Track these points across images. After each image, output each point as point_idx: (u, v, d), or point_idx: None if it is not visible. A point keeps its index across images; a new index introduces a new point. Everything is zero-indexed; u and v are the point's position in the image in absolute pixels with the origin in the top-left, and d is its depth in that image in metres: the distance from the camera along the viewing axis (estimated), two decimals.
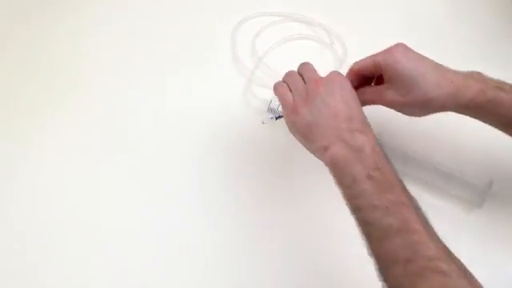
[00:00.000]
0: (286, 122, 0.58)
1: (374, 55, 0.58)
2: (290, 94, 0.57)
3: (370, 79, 0.61)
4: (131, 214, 0.66)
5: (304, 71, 0.59)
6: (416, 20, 0.80)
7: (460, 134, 0.69)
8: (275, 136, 0.70)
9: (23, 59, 0.76)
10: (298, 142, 0.58)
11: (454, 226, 0.63)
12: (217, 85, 0.75)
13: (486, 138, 0.65)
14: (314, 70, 0.59)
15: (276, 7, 0.79)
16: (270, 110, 0.70)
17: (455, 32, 0.78)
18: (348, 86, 0.56)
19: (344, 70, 0.72)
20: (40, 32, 0.78)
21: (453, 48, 0.77)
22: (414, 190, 0.63)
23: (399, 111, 0.59)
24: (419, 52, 0.68)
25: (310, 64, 0.60)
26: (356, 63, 0.60)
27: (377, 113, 0.69)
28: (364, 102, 0.59)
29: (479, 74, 0.56)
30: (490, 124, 0.57)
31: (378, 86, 0.59)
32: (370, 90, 0.60)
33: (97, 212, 0.66)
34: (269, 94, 0.70)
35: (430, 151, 0.67)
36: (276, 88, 0.60)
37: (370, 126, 0.54)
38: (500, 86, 0.55)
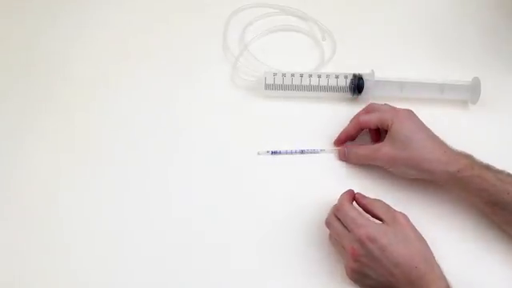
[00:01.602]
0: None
1: (382, 112, 0.65)
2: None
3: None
4: (127, 212, 0.65)
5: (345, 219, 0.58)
6: (414, 24, 0.81)
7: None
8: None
9: (20, 58, 0.77)
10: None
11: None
12: (204, 70, 0.76)
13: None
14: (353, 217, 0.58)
15: None
16: (267, 86, 0.72)
17: (457, 31, 0.80)
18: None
19: (330, 67, 0.76)
20: (37, 32, 0.80)
21: (454, 48, 0.79)
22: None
23: (390, 168, 0.64)
24: (418, 53, 0.77)
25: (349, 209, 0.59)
26: (363, 116, 0.66)
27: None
28: (360, 158, 0.66)
29: (470, 155, 0.62)
30: (473, 201, 0.62)
31: (375, 145, 0.65)
32: (367, 147, 0.66)
33: (93, 211, 0.65)
34: (259, 73, 0.73)
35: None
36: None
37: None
38: (487, 166, 0.60)
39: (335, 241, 0.60)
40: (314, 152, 0.69)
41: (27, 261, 0.62)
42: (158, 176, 0.68)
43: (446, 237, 0.63)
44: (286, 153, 0.69)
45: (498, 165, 0.60)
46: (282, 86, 0.72)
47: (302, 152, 0.69)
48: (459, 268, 0.57)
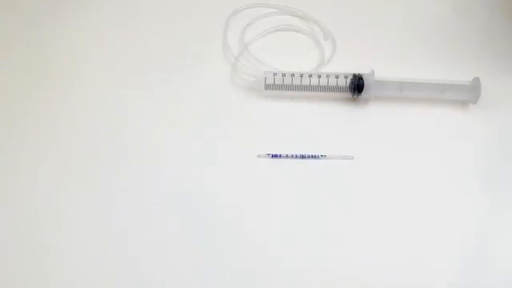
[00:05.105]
0: None
1: None
2: None
3: None
4: (127, 213, 0.65)
5: None
6: (414, 24, 0.81)
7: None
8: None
9: (23, 59, 0.77)
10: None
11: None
12: (204, 70, 0.76)
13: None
14: None
15: None
16: (267, 86, 0.72)
17: (457, 31, 0.80)
18: None
19: (330, 67, 0.75)
20: (37, 32, 0.79)
21: (454, 48, 0.78)
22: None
23: None
24: (418, 53, 0.77)
25: None
26: None
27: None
28: None
29: None
30: None
31: None
32: None
33: (93, 211, 0.65)
34: (259, 73, 0.73)
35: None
36: None
37: None
38: None
39: None
40: (315, 158, 0.69)
41: (27, 261, 0.62)
42: (158, 176, 0.68)
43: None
44: (287, 157, 0.69)
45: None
46: (281, 86, 0.72)
47: (303, 157, 0.69)
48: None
